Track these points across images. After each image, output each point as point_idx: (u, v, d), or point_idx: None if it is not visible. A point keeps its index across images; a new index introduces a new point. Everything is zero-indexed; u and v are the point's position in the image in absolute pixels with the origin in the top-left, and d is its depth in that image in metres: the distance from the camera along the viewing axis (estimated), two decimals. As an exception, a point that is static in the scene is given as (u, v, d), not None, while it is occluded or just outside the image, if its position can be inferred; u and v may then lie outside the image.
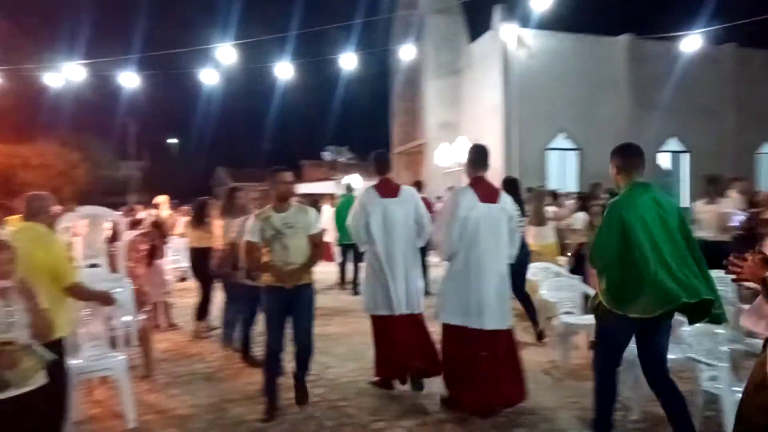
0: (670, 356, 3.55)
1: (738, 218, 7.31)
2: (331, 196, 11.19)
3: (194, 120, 47.61)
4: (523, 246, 5.57)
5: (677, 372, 3.81)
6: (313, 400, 4.56)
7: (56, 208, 4.07)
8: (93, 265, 6.62)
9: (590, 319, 4.14)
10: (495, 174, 9.72)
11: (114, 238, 7.43)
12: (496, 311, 4.14)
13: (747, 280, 2.35)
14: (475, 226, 4.14)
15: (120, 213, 8.95)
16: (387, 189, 4.73)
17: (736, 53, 18.42)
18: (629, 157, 3.51)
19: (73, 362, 3.96)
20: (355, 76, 15.53)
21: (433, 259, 8.40)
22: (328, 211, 11.76)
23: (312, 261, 4.36)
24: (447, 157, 18.37)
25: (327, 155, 26.31)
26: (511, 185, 6.14)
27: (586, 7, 16.76)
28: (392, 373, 4.78)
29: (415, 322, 4.69)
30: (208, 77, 14.28)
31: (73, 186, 25.31)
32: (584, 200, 8.16)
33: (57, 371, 3.43)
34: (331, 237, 10.48)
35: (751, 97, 18.09)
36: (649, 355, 3.50)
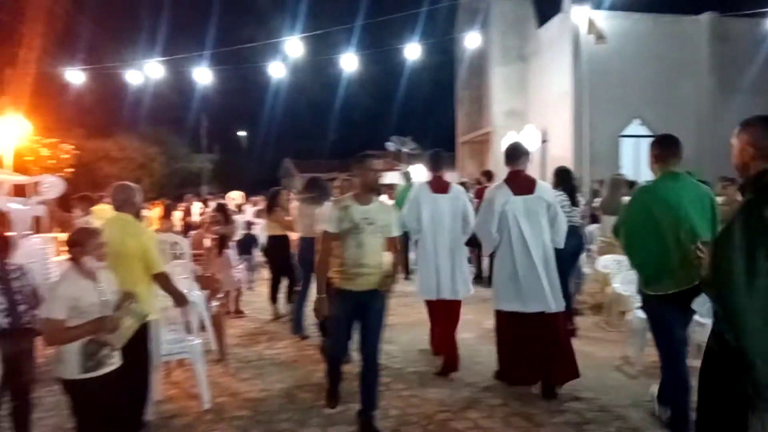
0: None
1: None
2: (389, 187, 11.14)
3: (262, 113, 48.95)
4: (575, 234, 5.68)
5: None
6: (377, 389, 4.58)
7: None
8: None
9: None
10: (565, 163, 9.48)
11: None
12: (538, 294, 4.39)
13: None
14: (513, 217, 4.46)
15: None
16: (438, 185, 5.14)
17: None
18: (667, 147, 3.68)
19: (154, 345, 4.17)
20: (419, 65, 15.47)
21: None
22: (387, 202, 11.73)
23: (393, 269, 3.95)
24: (514, 145, 17.97)
25: (390, 146, 26.24)
26: (562, 175, 6.28)
27: (664, -15, 15.91)
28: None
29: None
30: (276, 70, 14.61)
31: (151, 178, 26.74)
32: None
33: (143, 352, 3.65)
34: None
35: None
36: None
